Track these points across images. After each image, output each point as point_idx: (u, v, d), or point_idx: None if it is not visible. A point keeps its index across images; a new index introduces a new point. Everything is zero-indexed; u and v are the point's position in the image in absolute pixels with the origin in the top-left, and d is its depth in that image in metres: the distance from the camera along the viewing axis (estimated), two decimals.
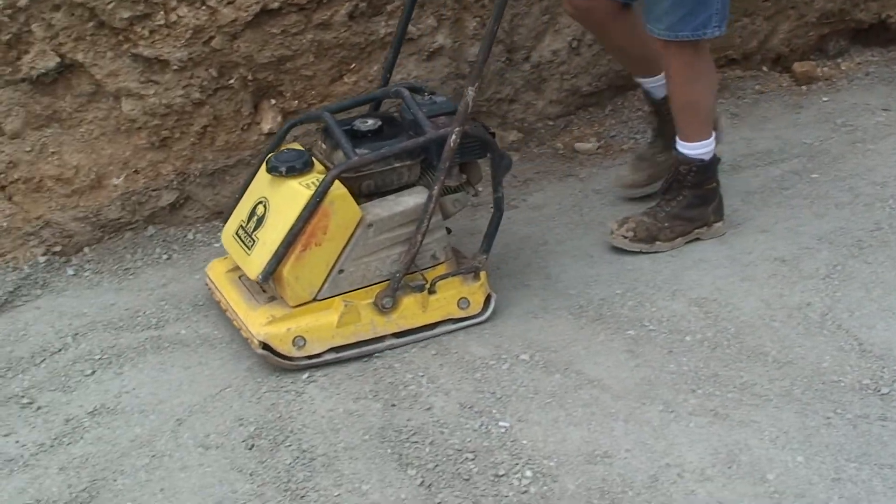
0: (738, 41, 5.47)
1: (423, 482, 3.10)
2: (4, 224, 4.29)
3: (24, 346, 3.85)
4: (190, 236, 4.48)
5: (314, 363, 3.56)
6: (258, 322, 3.53)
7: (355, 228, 3.52)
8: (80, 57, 4.17)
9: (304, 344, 3.53)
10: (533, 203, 4.65)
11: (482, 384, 3.50)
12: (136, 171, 4.41)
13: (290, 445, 3.25)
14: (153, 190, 4.44)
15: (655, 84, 4.32)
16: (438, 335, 3.70)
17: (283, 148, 3.73)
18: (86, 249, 4.40)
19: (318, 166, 3.63)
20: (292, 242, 3.45)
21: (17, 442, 3.38)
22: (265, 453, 3.23)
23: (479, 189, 3.84)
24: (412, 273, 3.64)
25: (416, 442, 3.25)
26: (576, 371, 3.53)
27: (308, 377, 3.53)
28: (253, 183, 3.76)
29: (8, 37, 4.05)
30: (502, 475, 3.13)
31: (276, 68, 4.43)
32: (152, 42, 4.16)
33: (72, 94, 4.26)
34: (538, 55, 5.00)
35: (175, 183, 4.46)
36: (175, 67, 4.22)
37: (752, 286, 3.93)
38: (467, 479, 3.11)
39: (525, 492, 3.07)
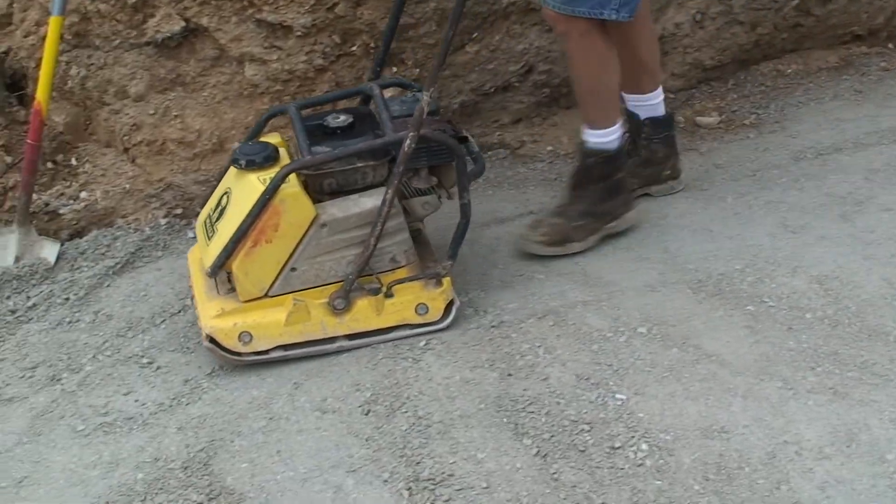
0: (864, 17, 5.35)
1: (538, 452, 3.10)
2: (127, 186, 4.36)
3: (145, 306, 3.92)
4: None
5: (260, 360, 3.51)
6: (208, 314, 3.49)
7: (309, 227, 3.43)
8: (204, 21, 4.22)
9: (251, 340, 3.46)
10: None
11: (599, 356, 3.48)
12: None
13: (406, 412, 3.27)
14: None
15: (636, 103, 4.23)
16: (393, 340, 3.60)
17: (258, 139, 3.71)
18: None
19: (284, 160, 3.56)
20: (241, 238, 3.40)
21: (136, 401, 3.44)
22: (381, 419, 3.25)
23: (452, 191, 3.70)
24: (368, 275, 3.55)
25: (532, 412, 3.24)
26: (693, 345, 3.50)
27: (425, 345, 3.53)
28: (227, 172, 3.68)
29: (134, 0, 4.11)
30: (618, 447, 3.11)
31: (398, 36, 4.42)
32: (276, 7, 4.19)
33: (195, 58, 4.32)
34: (661, 28, 4.94)
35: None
36: (298, 33, 4.25)
37: (875, 265, 3.85)
38: (583, 451, 3.10)
39: (640, 465, 3.05)
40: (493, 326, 3.62)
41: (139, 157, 4.37)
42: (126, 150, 4.38)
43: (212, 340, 3.46)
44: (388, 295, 3.55)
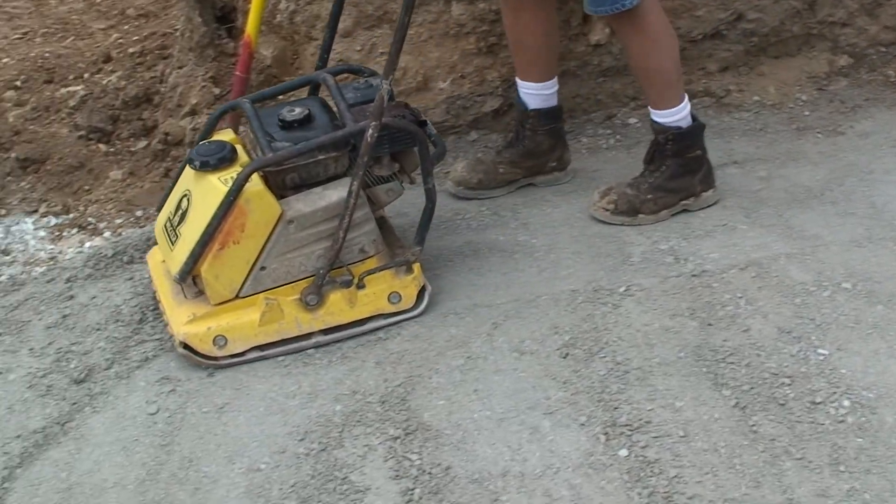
0: None
1: (737, 403, 3.07)
2: None
3: None
4: None
5: (236, 362, 3.43)
6: (179, 321, 3.41)
7: (275, 225, 3.34)
8: None
9: (226, 343, 3.39)
10: (860, 130, 4.50)
11: (802, 310, 3.42)
12: (462, 76, 4.47)
13: (604, 357, 3.26)
14: (478, 95, 4.50)
15: (528, 91, 4.10)
16: (368, 331, 3.52)
17: (212, 137, 3.60)
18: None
19: (242, 158, 3.45)
20: (209, 241, 3.30)
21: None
22: (579, 363, 3.26)
23: (414, 177, 3.65)
24: (339, 268, 3.47)
25: (732, 363, 3.21)
26: None
27: (625, 290, 3.53)
28: (183, 172, 3.57)
29: None
30: (819, 403, 3.07)
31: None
32: None
33: None
34: None
35: (500, 90, 4.49)
36: None
37: None
38: (783, 404, 3.06)
39: (842, 421, 3.00)
40: (693, 275, 3.59)
41: None
42: None
43: (186, 347, 3.38)
44: (360, 286, 3.48)
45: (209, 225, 3.27)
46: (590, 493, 2.83)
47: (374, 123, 3.29)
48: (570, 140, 4.34)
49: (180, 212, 3.44)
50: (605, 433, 3.00)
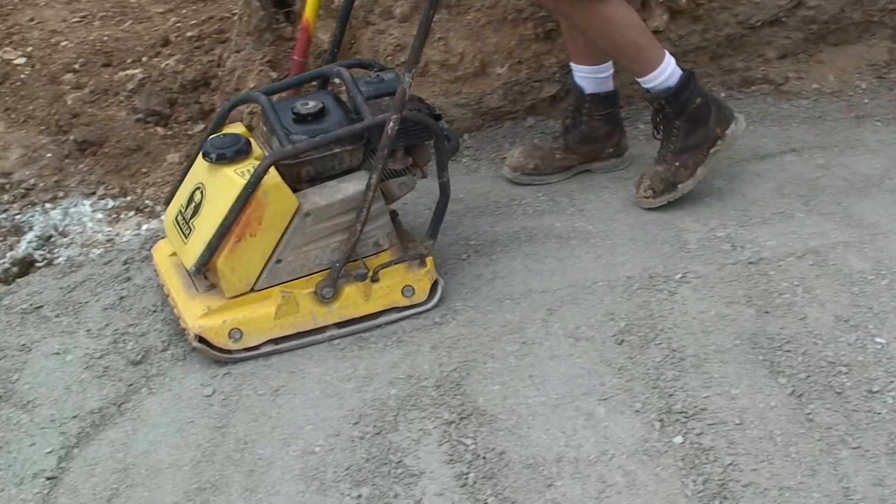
0: None
1: (793, 392, 3.06)
2: None
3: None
4: None
5: (251, 356, 3.41)
6: (193, 314, 3.39)
7: (292, 218, 3.33)
8: None
9: (241, 336, 3.37)
10: None
11: (859, 298, 3.41)
12: (520, 62, 4.46)
13: (659, 343, 3.26)
14: (535, 81, 4.49)
15: (583, 75, 4.08)
16: (382, 325, 3.51)
17: (223, 130, 3.59)
18: (465, 136, 4.51)
19: (256, 151, 3.44)
20: (225, 234, 3.28)
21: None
22: (635, 349, 3.26)
23: (426, 171, 3.64)
24: (354, 261, 3.46)
25: (789, 351, 3.20)
26: None
27: (681, 277, 3.52)
28: (194, 165, 3.56)
29: None
30: (876, 392, 3.05)
31: None
32: None
33: None
34: None
35: (557, 75, 4.48)
36: None
37: None
38: (839, 393, 3.05)
39: None
40: (750, 263, 3.58)
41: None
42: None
43: (201, 340, 3.37)
44: (375, 279, 3.48)
45: (226, 217, 3.27)
46: (644, 479, 2.83)
47: (395, 116, 3.29)
48: (628, 126, 4.33)
49: (193, 205, 3.43)
50: (660, 420, 3.00)
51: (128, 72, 5.04)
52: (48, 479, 3.04)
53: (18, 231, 4.40)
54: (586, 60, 4.05)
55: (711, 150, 3.90)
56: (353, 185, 3.40)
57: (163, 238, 3.76)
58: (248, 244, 3.31)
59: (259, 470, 3.00)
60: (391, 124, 3.29)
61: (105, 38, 5.28)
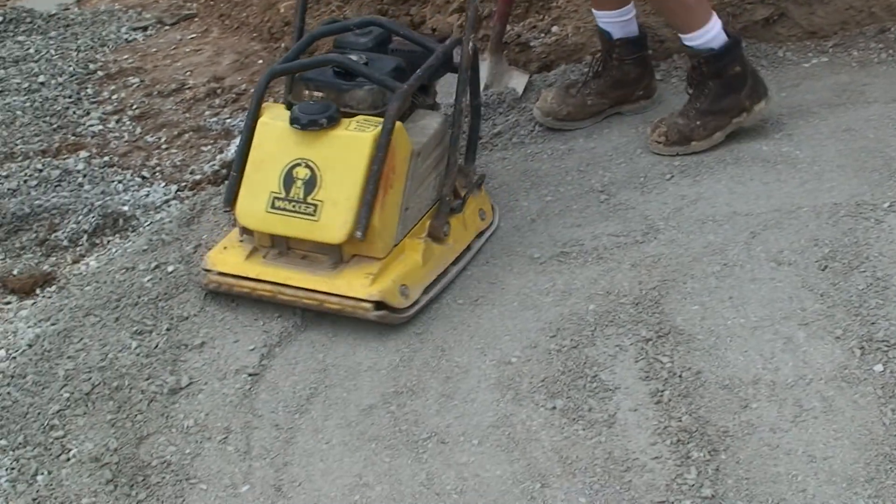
0: None
1: None
2: None
3: (607, 144, 4.04)
4: (780, 53, 4.48)
5: (416, 310, 3.30)
6: (359, 284, 3.25)
7: (409, 161, 3.30)
8: None
9: (408, 291, 3.29)
10: None
11: None
12: None
13: (864, 271, 3.23)
14: (748, 3, 4.45)
15: (607, 20, 4.03)
16: (474, 255, 3.53)
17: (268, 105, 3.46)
18: (675, 56, 4.51)
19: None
20: (376, 189, 3.19)
21: (593, 234, 3.56)
22: (838, 276, 3.23)
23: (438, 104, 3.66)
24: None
25: None
26: None
27: (889, 206, 3.46)
28: (261, 148, 3.34)
29: None
30: None
31: None
32: None
33: None
34: None
35: None
36: None
37: None
38: None
39: None
40: None
41: None
42: None
43: (380, 306, 3.24)
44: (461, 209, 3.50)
45: (371, 173, 3.19)
46: (841, 405, 2.83)
47: (472, 36, 3.35)
48: (841, 53, 4.27)
49: (300, 182, 3.25)
50: (861, 347, 2.98)
51: None
52: (250, 375, 3.18)
53: (228, 134, 4.56)
54: (608, 5, 4.05)
55: (735, 120, 3.93)
56: (433, 121, 3.46)
57: (215, 249, 3.49)
58: (390, 197, 3.27)
59: (455, 377, 3.08)
60: (470, 44, 3.36)
61: None
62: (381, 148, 3.19)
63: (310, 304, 3.28)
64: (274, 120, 3.34)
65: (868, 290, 3.16)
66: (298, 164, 3.27)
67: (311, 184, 3.25)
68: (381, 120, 3.22)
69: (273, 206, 3.27)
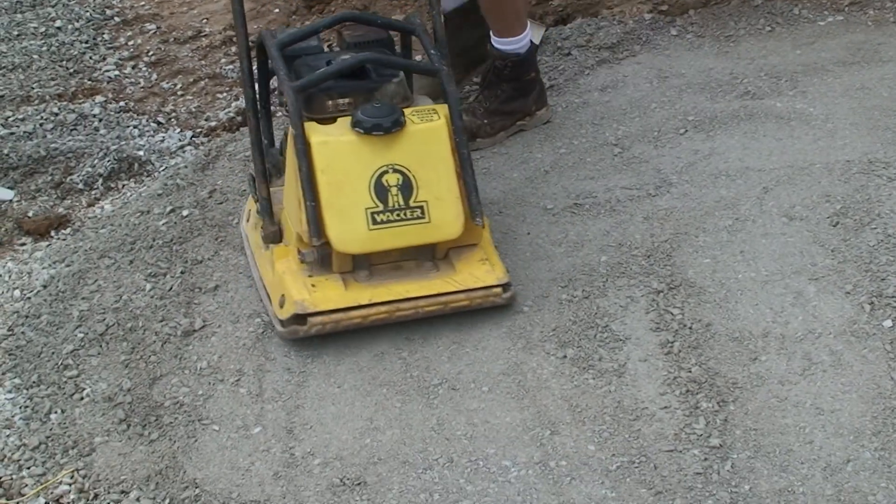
0: None
1: None
2: None
3: (622, 97, 4.03)
4: (795, 11, 4.46)
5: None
6: (482, 273, 3.08)
7: None
8: None
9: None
10: None
11: None
12: None
13: (875, 228, 3.23)
14: None
15: None
16: None
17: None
18: (691, 12, 4.50)
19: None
20: (473, 172, 3.06)
21: (606, 187, 3.56)
22: (849, 232, 3.23)
23: None
24: None
25: None
26: None
27: None
28: (332, 170, 2.99)
29: None
30: None
31: None
32: None
33: None
34: None
35: None
36: None
37: None
38: None
39: None
40: None
41: None
42: None
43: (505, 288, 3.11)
44: None
45: (463, 155, 3.06)
46: (850, 359, 2.83)
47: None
48: (856, 12, 4.30)
49: (394, 189, 3.01)
50: (871, 303, 2.98)
51: None
52: (263, 319, 3.18)
53: None
54: None
55: (519, 122, 3.97)
56: (425, 100, 3.29)
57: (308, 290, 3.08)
58: None
59: (466, 325, 3.09)
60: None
61: None
62: (460, 131, 3.07)
63: (433, 310, 3.08)
64: (333, 137, 3.02)
65: (879, 247, 3.16)
66: (386, 172, 3.02)
67: (407, 187, 3.02)
68: (432, 107, 3.11)
69: (375, 223, 2.99)
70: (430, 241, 3.06)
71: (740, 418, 2.72)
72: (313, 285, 3.05)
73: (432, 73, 3.15)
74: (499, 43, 3.87)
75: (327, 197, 2.97)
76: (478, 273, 3.09)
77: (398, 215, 3.01)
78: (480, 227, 3.06)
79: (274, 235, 3.18)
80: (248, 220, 3.41)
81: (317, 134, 3.01)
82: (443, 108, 3.09)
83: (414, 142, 3.04)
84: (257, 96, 3.28)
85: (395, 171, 3.01)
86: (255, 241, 3.31)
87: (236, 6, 3.19)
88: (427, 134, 3.05)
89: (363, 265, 3.08)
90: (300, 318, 3.01)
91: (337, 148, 3.01)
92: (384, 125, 2.98)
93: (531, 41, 3.90)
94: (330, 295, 3.04)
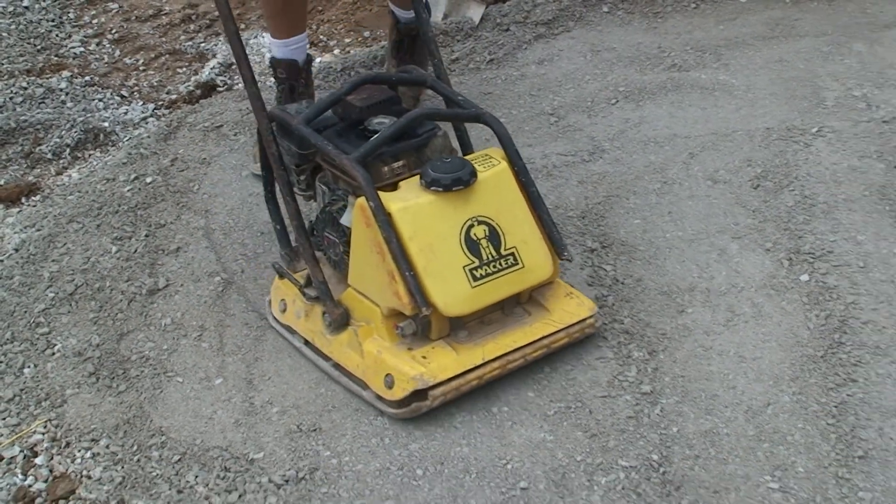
0: None
1: None
2: None
3: (556, 71, 4.03)
4: None
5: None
6: (574, 307, 2.83)
7: None
8: None
9: None
10: None
11: None
12: None
13: (793, 190, 3.25)
14: None
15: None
16: None
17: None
18: None
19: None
20: (546, 209, 2.84)
21: (543, 154, 3.57)
22: (769, 194, 3.26)
23: None
24: None
25: None
26: None
27: (817, 131, 3.48)
28: (420, 235, 2.67)
29: None
30: None
31: None
32: None
33: None
34: None
35: None
36: None
37: None
38: None
39: None
40: (884, 122, 3.52)
41: None
42: None
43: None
44: None
45: (535, 198, 2.84)
46: (770, 311, 2.86)
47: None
48: None
49: (484, 240, 2.73)
50: (789, 259, 3.01)
51: None
52: (222, 278, 3.19)
53: (202, 58, 4.53)
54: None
55: None
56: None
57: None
58: None
59: None
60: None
61: None
62: (525, 171, 2.83)
63: (538, 355, 2.80)
64: (411, 201, 2.70)
65: (796, 207, 3.19)
66: (472, 226, 2.74)
67: (495, 237, 2.74)
68: (485, 153, 2.84)
69: (476, 279, 2.70)
70: (529, 286, 2.81)
71: (669, 366, 2.74)
72: (424, 357, 2.71)
73: (478, 119, 2.89)
74: (275, 45, 3.62)
75: (423, 263, 2.66)
76: (570, 308, 2.85)
77: (495, 266, 2.74)
78: (570, 259, 2.84)
79: (343, 318, 2.83)
80: (283, 311, 2.99)
81: (394, 201, 2.68)
82: (496, 152, 2.85)
83: (487, 190, 2.76)
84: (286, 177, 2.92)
85: (480, 222, 2.74)
86: (308, 330, 2.92)
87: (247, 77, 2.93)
88: (496, 179, 2.79)
89: (460, 325, 2.78)
90: (420, 394, 2.68)
91: (419, 211, 2.70)
92: (463, 179, 2.70)
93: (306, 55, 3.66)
94: (445, 363, 2.71)
